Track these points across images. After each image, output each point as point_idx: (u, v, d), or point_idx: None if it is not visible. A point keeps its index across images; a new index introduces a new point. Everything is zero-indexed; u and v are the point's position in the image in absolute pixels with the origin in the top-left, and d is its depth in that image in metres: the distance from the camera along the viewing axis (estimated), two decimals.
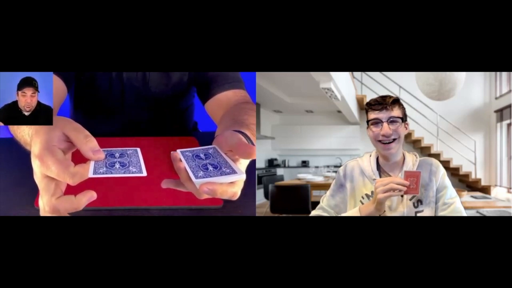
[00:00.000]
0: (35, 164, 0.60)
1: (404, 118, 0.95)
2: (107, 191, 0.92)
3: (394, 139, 0.92)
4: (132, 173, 0.62)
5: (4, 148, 1.14)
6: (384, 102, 0.93)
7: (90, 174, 0.60)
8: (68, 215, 0.63)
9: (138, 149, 0.71)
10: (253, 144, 0.69)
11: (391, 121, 0.92)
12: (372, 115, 0.94)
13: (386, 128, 0.92)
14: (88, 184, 0.94)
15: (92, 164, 0.62)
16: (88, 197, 0.61)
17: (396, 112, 0.93)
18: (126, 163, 0.65)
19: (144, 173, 0.63)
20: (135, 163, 0.65)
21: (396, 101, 0.94)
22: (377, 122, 0.93)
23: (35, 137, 0.63)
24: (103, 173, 0.61)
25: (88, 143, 0.62)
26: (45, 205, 0.61)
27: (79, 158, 0.63)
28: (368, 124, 0.96)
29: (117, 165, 0.63)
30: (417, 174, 0.88)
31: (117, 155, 0.67)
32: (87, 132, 0.63)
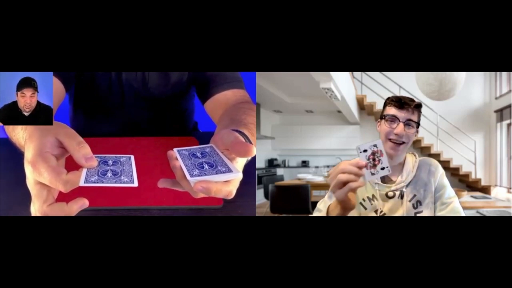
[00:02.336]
0: (28, 170, 0.60)
1: (418, 125, 0.95)
2: (106, 191, 0.92)
3: (403, 142, 0.92)
4: (124, 182, 0.62)
5: (4, 148, 1.14)
6: (408, 103, 0.93)
7: (81, 183, 0.60)
8: None
9: (132, 157, 0.71)
10: (250, 142, 0.68)
11: (408, 123, 0.92)
12: (392, 111, 0.93)
13: (401, 128, 0.91)
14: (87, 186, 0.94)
15: (84, 171, 0.62)
16: (79, 205, 0.61)
17: (415, 116, 0.94)
18: (118, 172, 0.64)
19: (135, 184, 0.63)
20: (127, 172, 0.65)
21: (419, 107, 0.94)
22: (394, 119, 0.93)
23: (28, 142, 0.62)
24: (94, 182, 0.61)
25: (81, 149, 0.62)
26: (37, 212, 0.61)
27: (73, 164, 0.63)
28: (382, 118, 0.95)
29: (109, 174, 0.63)
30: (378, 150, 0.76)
31: (110, 162, 0.66)
32: (81, 139, 0.63)
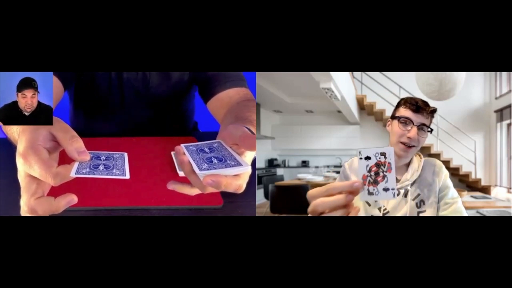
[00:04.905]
0: (19, 162, 0.60)
1: (430, 130, 0.94)
2: (106, 191, 0.92)
3: (414, 146, 0.92)
4: (115, 175, 0.62)
5: (4, 148, 1.14)
6: (424, 107, 0.92)
7: (72, 174, 0.60)
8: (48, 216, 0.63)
9: (125, 154, 0.71)
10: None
11: (421, 127, 0.92)
12: (407, 113, 0.93)
13: (414, 132, 0.91)
14: (87, 184, 0.94)
15: (75, 164, 0.62)
16: (67, 200, 0.60)
17: (428, 121, 0.93)
18: (111, 166, 0.64)
19: (127, 176, 0.63)
20: (119, 166, 0.65)
21: (434, 112, 0.94)
22: (408, 122, 0.92)
23: (21, 135, 0.63)
24: (85, 174, 0.60)
25: (73, 143, 0.62)
26: (24, 205, 0.61)
27: (67, 160, 0.63)
28: (395, 118, 0.94)
29: (101, 167, 0.63)
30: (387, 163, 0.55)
31: (103, 157, 0.66)
32: (74, 133, 0.63)
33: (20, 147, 0.61)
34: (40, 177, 0.59)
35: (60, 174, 0.59)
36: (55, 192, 0.62)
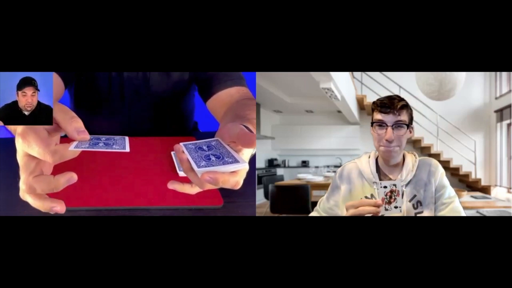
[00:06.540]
0: (18, 142, 0.60)
1: (410, 123, 0.91)
2: (107, 191, 0.92)
3: (396, 146, 0.90)
4: (115, 149, 0.63)
5: (4, 148, 1.14)
6: (392, 106, 0.89)
7: (71, 148, 0.60)
8: (46, 198, 0.62)
9: (126, 137, 0.72)
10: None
11: (397, 126, 0.89)
12: (378, 116, 0.91)
13: (390, 133, 0.88)
14: (88, 184, 0.94)
15: (75, 142, 0.62)
16: (67, 178, 0.60)
17: (403, 116, 0.90)
18: (111, 143, 0.66)
19: (127, 149, 0.64)
20: (119, 144, 0.66)
21: (405, 106, 0.91)
22: (382, 124, 0.90)
23: None
24: (84, 148, 0.61)
25: (73, 123, 0.62)
26: (22, 184, 0.61)
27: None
28: (372, 124, 0.93)
29: (101, 144, 0.64)
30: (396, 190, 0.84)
31: (103, 139, 0.68)
32: (73, 114, 0.63)
33: (19, 128, 0.61)
34: (39, 155, 0.59)
35: (59, 151, 0.59)
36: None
